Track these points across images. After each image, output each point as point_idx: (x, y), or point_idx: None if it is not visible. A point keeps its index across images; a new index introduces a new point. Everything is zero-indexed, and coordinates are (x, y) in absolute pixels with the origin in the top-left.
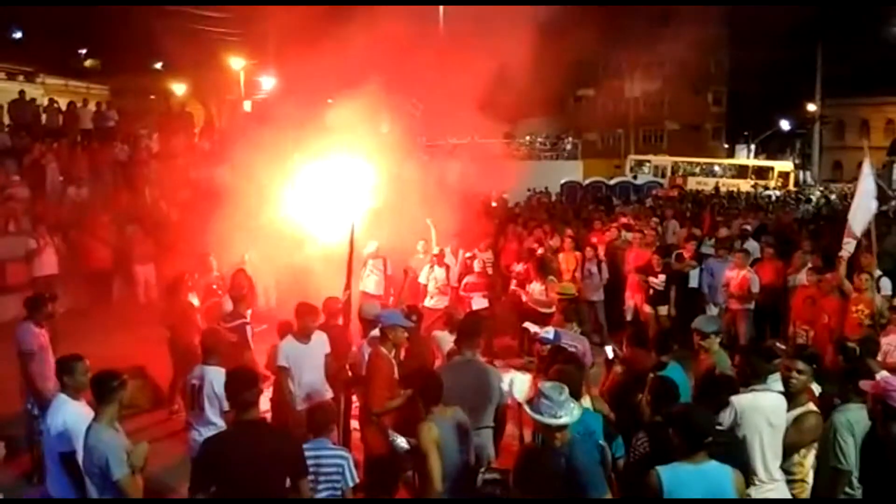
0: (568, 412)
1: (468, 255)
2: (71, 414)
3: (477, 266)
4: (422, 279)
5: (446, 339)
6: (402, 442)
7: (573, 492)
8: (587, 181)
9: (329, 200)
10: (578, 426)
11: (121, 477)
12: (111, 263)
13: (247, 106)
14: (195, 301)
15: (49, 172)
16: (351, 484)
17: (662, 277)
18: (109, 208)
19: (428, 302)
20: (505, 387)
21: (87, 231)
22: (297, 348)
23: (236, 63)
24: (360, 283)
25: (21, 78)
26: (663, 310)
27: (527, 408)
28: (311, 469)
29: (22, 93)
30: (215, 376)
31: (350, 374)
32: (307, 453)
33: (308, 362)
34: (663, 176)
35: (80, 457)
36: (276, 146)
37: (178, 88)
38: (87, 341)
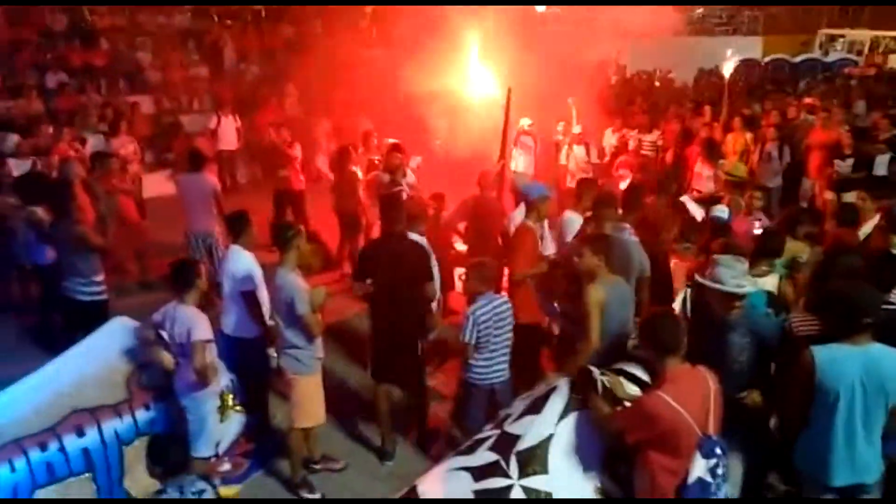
0: (750, 281)
1: (617, 134)
2: (246, 260)
3: (631, 145)
4: (562, 160)
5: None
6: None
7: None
8: (767, 59)
9: (483, 76)
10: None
11: (304, 313)
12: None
13: None
14: (359, 174)
15: (226, 53)
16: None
17: (850, 161)
18: (281, 87)
19: (570, 183)
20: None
21: (262, 108)
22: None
23: None
24: (511, 162)
25: None
26: (849, 197)
27: (705, 281)
28: (492, 320)
29: None
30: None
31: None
32: (485, 307)
33: None
34: (859, 54)
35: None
36: (430, 24)
37: None
38: (265, 210)
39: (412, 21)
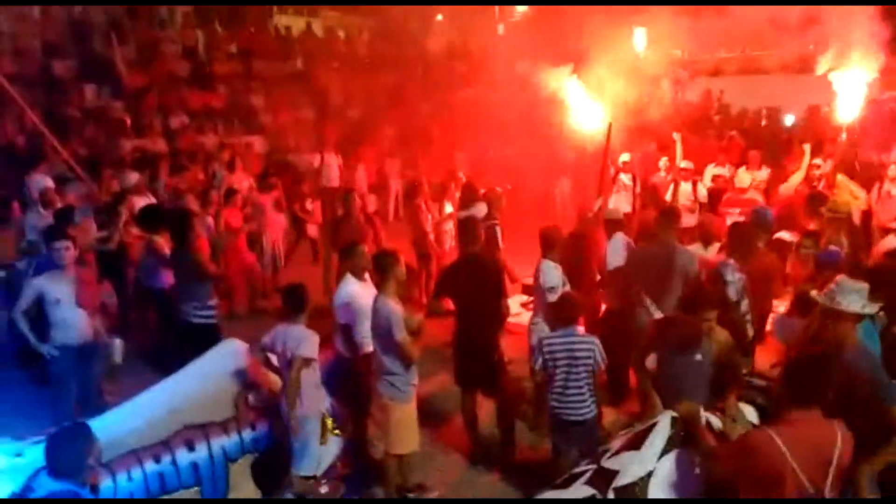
0: (870, 304)
1: (717, 170)
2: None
3: (740, 182)
4: (667, 197)
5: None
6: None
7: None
8: (887, 95)
9: (581, 114)
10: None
11: (401, 339)
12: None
13: (500, 29)
14: (449, 208)
15: (332, 96)
16: (602, 365)
17: None
18: (381, 128)
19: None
20: None
21: (361, 149)
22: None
23: None
24: (612, 199)
25: (305, 12)
26: None
27: (824, 300)
28: (565, 354)
29: (309, 25)
30: (547, 268)
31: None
32: (558, 340)
33: None
34: None
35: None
36: (528, 65)
37: (438, 16)
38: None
39: (509, 62)
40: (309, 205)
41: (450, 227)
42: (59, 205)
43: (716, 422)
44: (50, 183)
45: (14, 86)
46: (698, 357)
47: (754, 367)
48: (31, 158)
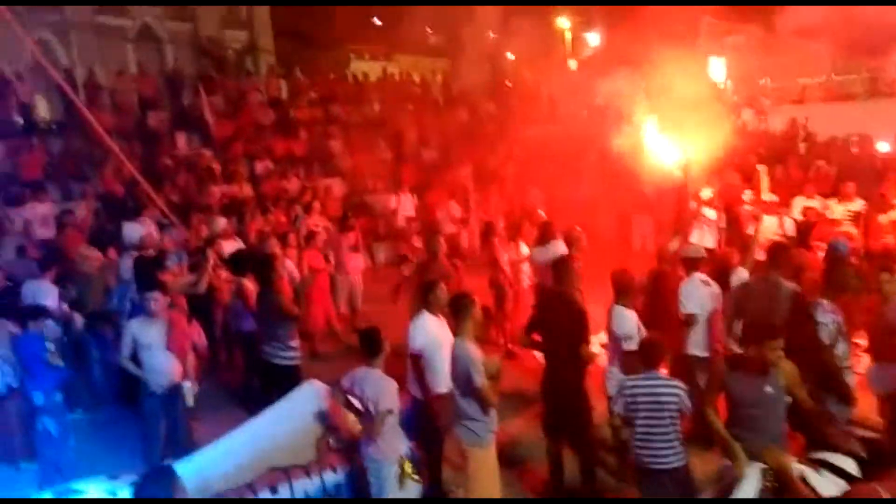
0: None
1: (807, 202)
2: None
3: (833, 214)
4: (750, 230)
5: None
6: None
7: None
8: None
9: (659, 150)
10: None
11: (480, 384)
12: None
13: (572, 65)
14: (524, 247)
15: (407, 137)
16: (688, 411)
17: None
18: (455, 168)
19: (760, 256)
20: None
21: (437, 189)
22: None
23: (563, 22)
24: (694, 235)
25: (381, 58)
26: None
27: None
28: (648, 399)
29: (384, 70)
30: (620, 315)
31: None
32: (641, 383)
33: None
34: None
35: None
36: (601, 102)
37: (510, 55)
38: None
39: (582, 98)
40: (417, 243)
41: (526, 266)
42: (152, 251)
43: (811, 474)
44: (145, 229)
45: (113, 138)
46: (768, 389)
47: (854, 416)
48: (128, 206)
